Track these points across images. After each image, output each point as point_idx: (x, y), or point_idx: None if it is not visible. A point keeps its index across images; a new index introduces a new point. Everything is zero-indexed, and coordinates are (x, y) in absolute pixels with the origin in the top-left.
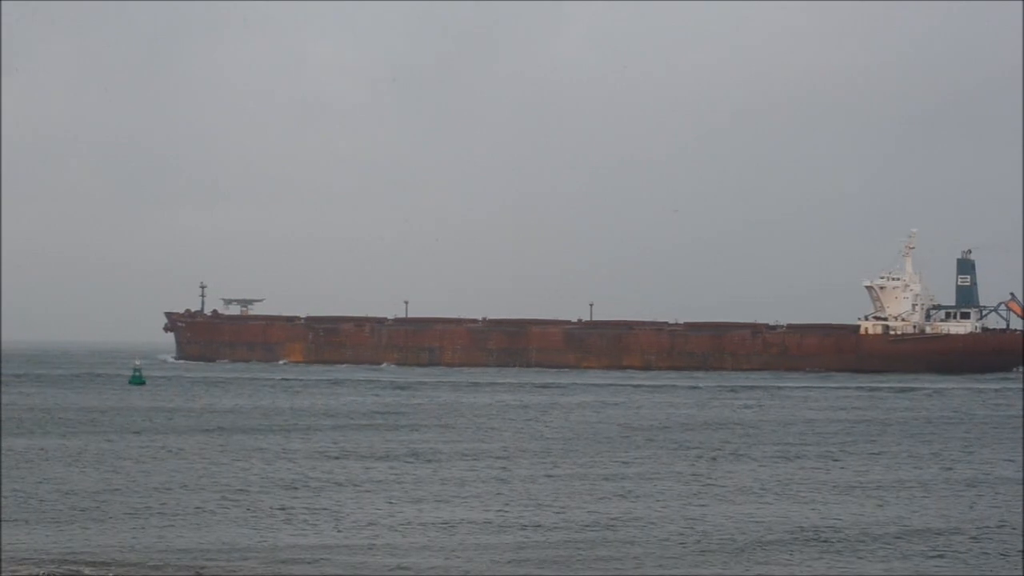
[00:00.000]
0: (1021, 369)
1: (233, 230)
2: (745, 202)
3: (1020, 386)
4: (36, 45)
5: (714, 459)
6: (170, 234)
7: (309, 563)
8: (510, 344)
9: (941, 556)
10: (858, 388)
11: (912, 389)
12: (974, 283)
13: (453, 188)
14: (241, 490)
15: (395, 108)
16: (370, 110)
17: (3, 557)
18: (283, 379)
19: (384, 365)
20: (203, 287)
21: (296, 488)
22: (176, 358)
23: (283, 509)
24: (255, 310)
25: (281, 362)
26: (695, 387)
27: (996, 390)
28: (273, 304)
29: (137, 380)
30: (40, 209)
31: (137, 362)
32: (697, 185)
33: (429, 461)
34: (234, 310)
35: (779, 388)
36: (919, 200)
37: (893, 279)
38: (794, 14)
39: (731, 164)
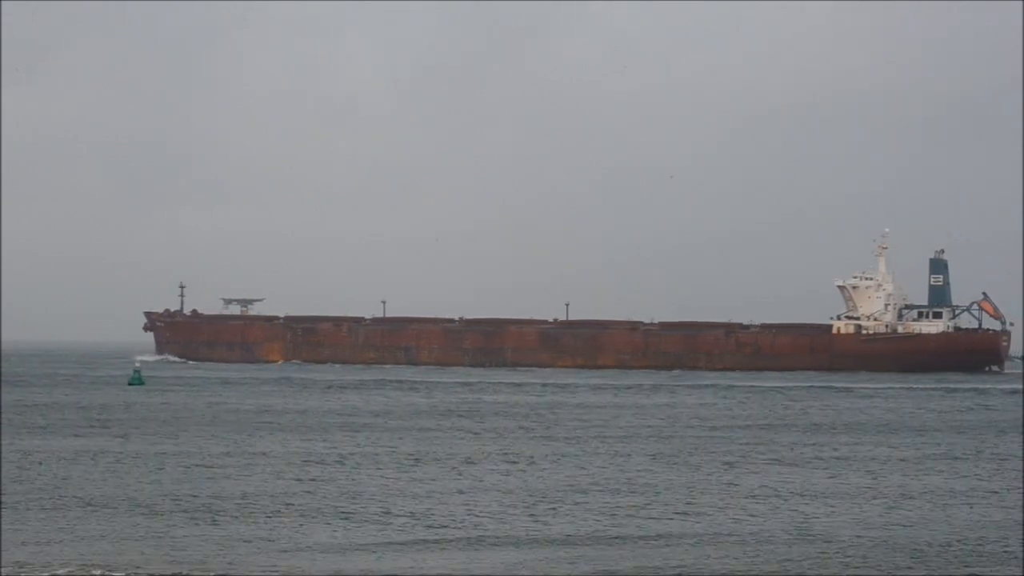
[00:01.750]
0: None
1: (233, 230)
2: (742, 204)
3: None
4: (36, 46)
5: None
6: (170, 234)
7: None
8: (486, 344)
9: None
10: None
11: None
12: (947, 283)
13: (454, 189)
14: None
15: (396, 109)
16: (371, 111)
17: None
18: (324, 379)
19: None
20: (182, 287)
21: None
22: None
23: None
24: (255, 310)
25: (279, 363)
26: (762, 387)
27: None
28: (274, 304)
29: (136, 381)
30: (40, 209)
31: (137, 364)
32: (697, 186)
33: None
34: (234, 310)
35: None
36: (905, 201)
37: (866, 279)
38: (794, 15)
39: (729, 166)
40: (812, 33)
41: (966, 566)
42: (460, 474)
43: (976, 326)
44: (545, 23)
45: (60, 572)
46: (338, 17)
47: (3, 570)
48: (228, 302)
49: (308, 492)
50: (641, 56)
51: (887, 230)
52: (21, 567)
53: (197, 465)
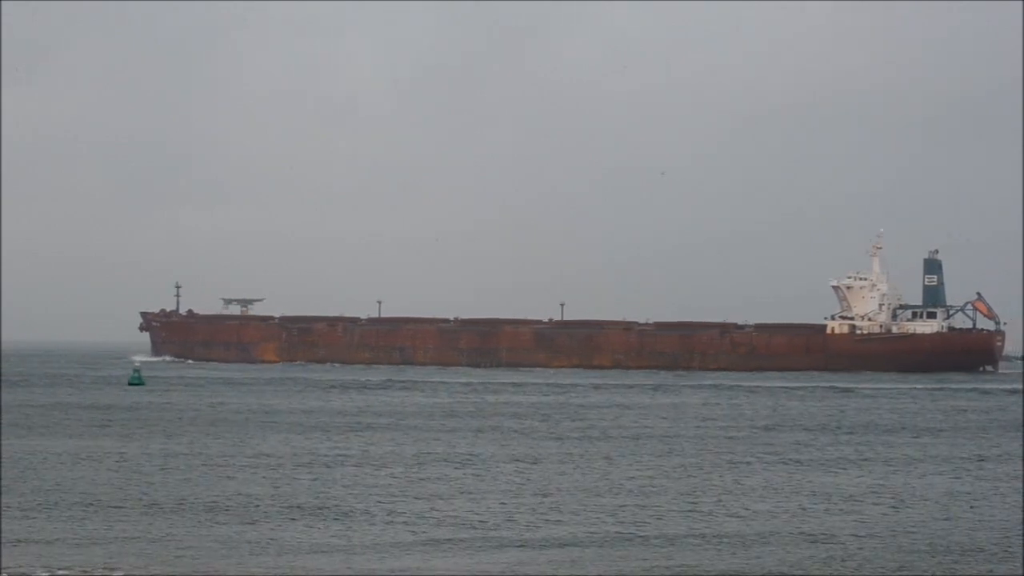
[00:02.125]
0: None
1: (233, 230)
2: (742, 204)
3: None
4: (36, 46)
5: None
6: (170, 234)
7: None
8: (481, 344)
9: None
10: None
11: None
12: (941, 283)
13: (454, 189)
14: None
15: (396, 109)
16: (371, 111)
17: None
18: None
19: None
20: (178, 287)
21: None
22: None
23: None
24: (255, 310)
25: (278, 363)
26: (786, 387)
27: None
28: (274, 304)
29: (136, 381)
30: (40, 209)
31: (137, 364)
32: (696, 186)
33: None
34: (234, 310)
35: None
36: (905, 201)
37: (860, 279)
38: (794, 15)
39: (728, 166)
40: (812, 33)
41: (967, 566)
42: (464, 474)
43: (970, 326)
44: (545, 23)
45: (61, 572)
46: (338, 17)
47: (4, 571)
48: (228, 302)
49: (311, 492)
50: (641, 56)
51: (882, 230)
52: (22, 567)
53: (200, 465)
